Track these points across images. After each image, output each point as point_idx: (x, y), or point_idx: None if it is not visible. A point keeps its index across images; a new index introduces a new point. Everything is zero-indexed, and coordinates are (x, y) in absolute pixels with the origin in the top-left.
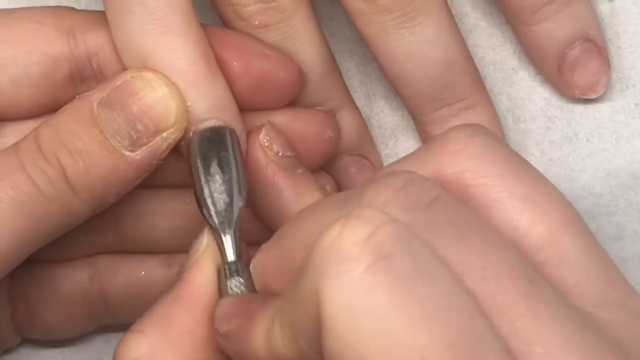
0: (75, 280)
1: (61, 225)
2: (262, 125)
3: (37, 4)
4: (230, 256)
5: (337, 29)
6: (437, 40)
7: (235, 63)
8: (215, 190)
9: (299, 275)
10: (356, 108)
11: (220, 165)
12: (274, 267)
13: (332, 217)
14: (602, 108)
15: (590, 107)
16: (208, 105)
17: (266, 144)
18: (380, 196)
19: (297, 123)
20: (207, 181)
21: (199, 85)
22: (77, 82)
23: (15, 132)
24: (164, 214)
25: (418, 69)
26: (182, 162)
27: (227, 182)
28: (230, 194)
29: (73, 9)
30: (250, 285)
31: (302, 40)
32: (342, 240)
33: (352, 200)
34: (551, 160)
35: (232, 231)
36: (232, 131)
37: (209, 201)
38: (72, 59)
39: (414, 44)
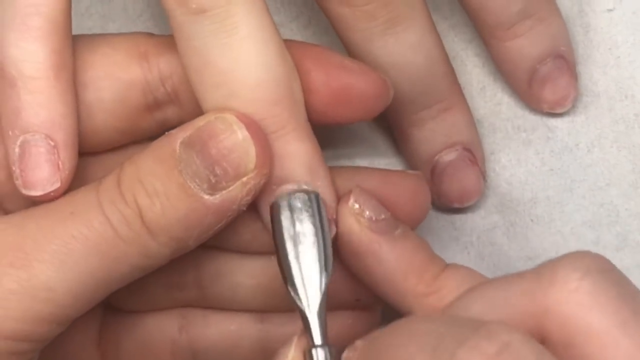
0: (165, 330)
1: (139, 266)
2: (350, 192)
3: None
4: (318, 339)
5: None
6: (420, 46)
7: (312, 73)
8: (305, 266)
9: None
10: (466, 103)
11: (308, 238)
12: None
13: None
14: (603, 118)
15: (591, 117)
16: (297, 165)
17: (357, 211)
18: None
19: (387, 187)
20: (296, 256)
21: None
22: (152, 107)
23: (98, 167)
24: (247, 272)
25: (401, 75)
26: (265, 230)
27: (317, 258)
28: (320, 271)
29: (149, 33)
30: None
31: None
32: None
33: (447, 346)
34: (552, 170)
35: (320, 312)
36: (318, 196)
37: (297, 279)
38: (145, 83)
39: (398, 51)
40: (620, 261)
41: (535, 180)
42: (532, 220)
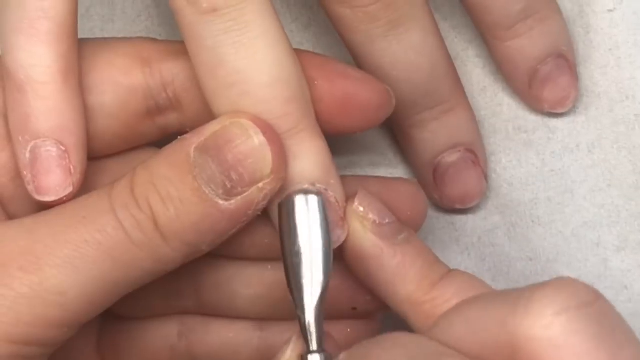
0: (164, 337)
1: (151, 271)
2: (356, 194)
3: None
4: (314, 345)
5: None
6: (422, 47)
7: (317, 82)
8: (307, 271)
9: None
10: (468, 104)
11: (314, 242)
12: None
13: None
14: (603, 119)
15: (591, 118)
16: (311, 163)
17: (361, 214)
18: None
19: (385, 193)
20: (300, 261)
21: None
22: (154, 113)
23: (99, 172)
24: (244, 281)
25: (403, 76)
26: (264, 237)
27: (320, 263)
28: (321, 277)
29: (152, 39)
30: None
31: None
32: None
33: None
34: (552, 171)
35: (317, 317)
36: (323, 198)
37: (298, 282)
38: (147, 89)
39: (401, 52)
40: (622, 262)
41: (536, 181)
42: (533, 221)
